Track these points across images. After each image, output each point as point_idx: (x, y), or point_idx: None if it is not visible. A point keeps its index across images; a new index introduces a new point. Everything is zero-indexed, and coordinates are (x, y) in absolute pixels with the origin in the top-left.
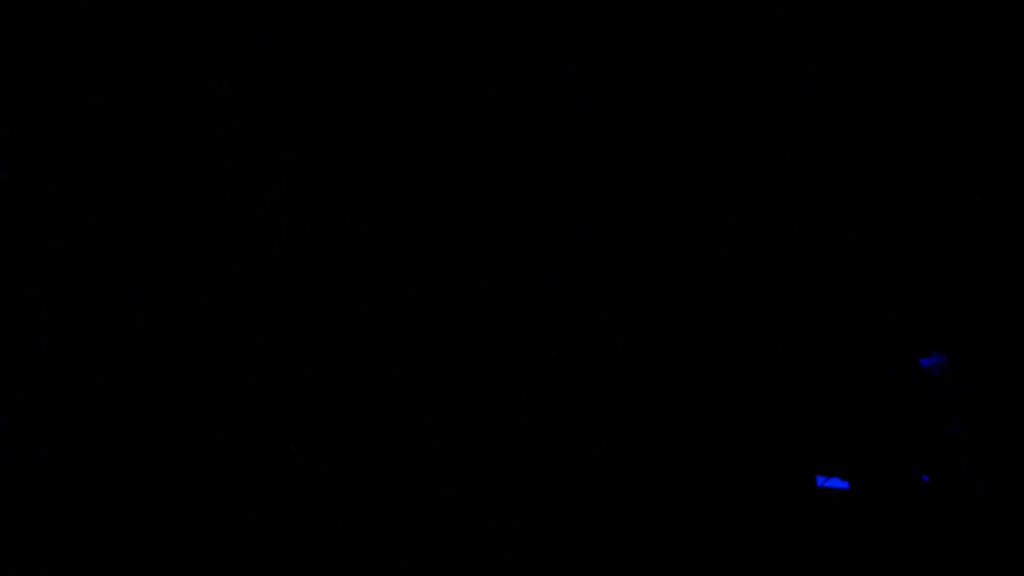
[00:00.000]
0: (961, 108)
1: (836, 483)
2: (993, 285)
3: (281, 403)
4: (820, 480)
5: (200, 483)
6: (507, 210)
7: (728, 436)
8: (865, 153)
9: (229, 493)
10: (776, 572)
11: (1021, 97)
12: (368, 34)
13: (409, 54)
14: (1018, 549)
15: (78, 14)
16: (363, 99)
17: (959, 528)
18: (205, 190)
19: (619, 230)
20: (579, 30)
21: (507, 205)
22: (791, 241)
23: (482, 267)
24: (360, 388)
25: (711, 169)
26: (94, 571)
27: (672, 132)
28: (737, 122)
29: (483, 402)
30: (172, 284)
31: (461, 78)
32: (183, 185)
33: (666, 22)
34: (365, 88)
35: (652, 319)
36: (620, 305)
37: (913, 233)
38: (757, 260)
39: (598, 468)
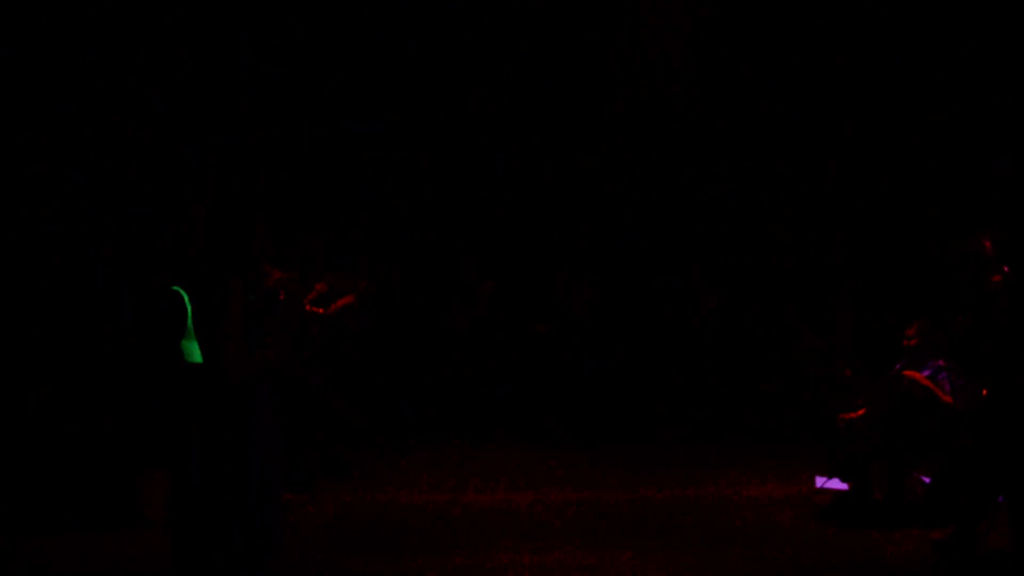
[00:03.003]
0: (961, 108)
1: (836, 483)
2: (991, 287)
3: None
4: (820, 481)
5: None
6: (504, 211)
7: (727, 435)
8: (864, 155)
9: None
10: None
11: (1021, 97)
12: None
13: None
14: (1018, 548)
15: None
16: (361, 100)
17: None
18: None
19: (618, 232)
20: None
21: (505, 206)
22: (790, 241)
23: (479, 269)
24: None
25: (710, 170)
26: None
27: (671, 133)
28: (736, 125)
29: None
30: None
31: (461, 81)
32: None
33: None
34: (363, 89)
35: (651, 320)
36: (617, 306)
37: (913, 233)
38: (757, 260)
39: (596, 467)
